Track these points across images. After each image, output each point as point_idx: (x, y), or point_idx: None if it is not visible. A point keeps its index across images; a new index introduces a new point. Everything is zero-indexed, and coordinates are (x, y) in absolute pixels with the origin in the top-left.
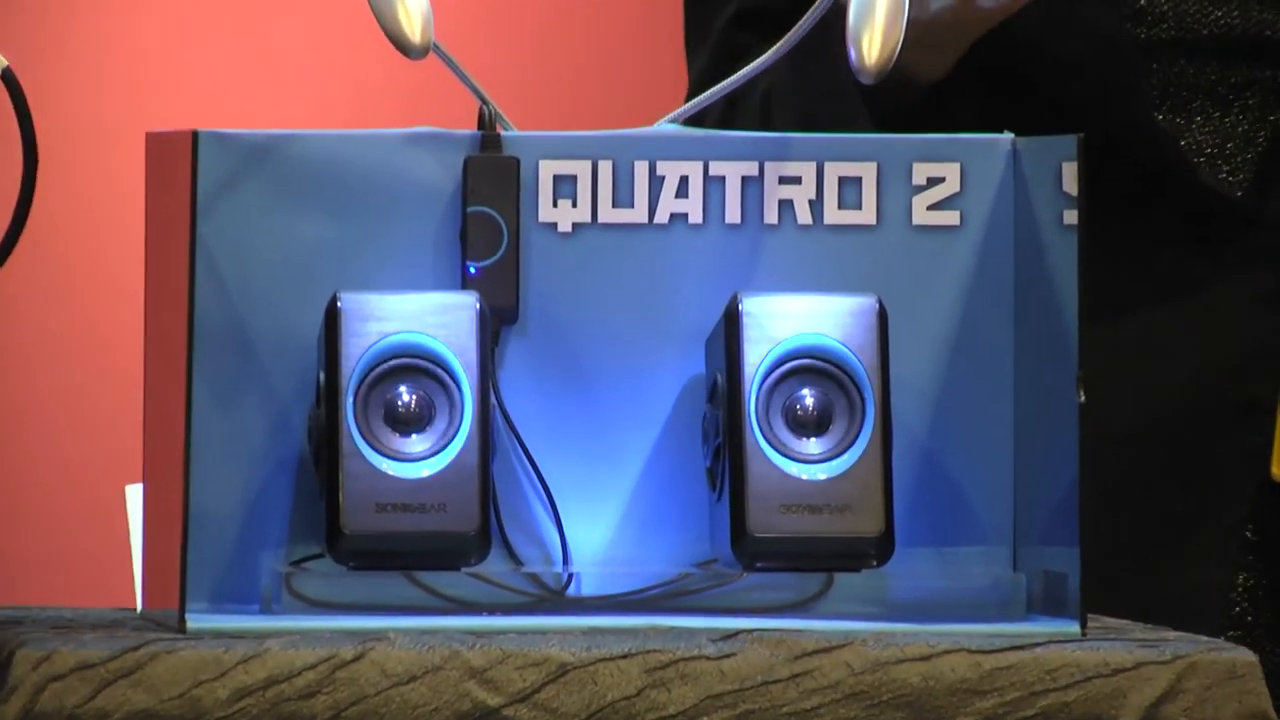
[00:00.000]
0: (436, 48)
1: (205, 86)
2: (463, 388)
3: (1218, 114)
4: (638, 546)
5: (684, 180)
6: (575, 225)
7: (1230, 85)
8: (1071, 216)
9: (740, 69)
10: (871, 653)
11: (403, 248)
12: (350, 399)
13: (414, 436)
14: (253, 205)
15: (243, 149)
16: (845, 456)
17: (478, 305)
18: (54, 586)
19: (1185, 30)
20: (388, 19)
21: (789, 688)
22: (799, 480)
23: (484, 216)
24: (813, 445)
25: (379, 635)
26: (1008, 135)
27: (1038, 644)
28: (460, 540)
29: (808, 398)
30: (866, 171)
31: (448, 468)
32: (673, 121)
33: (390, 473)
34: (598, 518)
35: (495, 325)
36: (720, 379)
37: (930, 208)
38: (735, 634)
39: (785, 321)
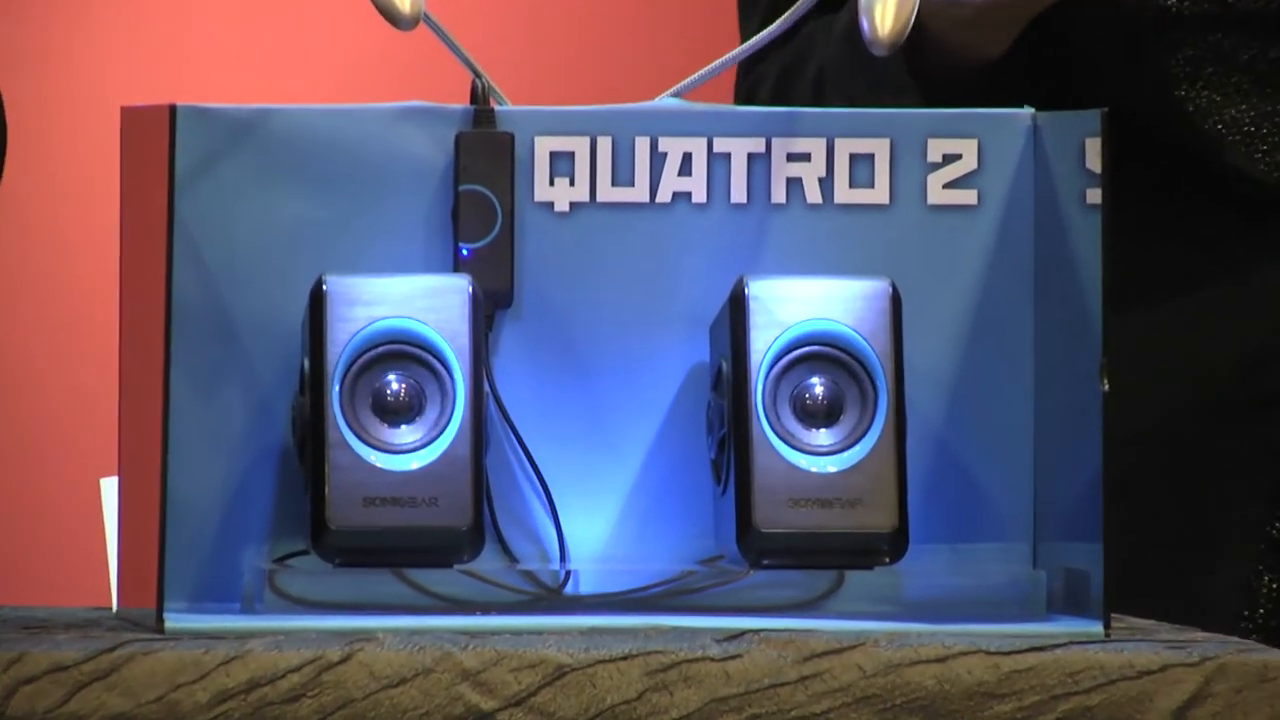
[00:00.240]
0: (427, 18)
1: (183, 58)
2: (454, 375)
3: (1255, 92)
4: (638, 543)
5: (687, 157)
6: (573, 204)
7: (1270, 61)
8: (1095, 195)
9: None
10: (884, 654)
11: (392, 228)
12: (336, 387)
13: (403, 427)
14: (234, 184)
15: (223, 124)
16: (856, 448)
17: (470, 289)
18: (25, 584)
19: (1220, 4)
20: None
21: (797, 690)
22: (808, 473)
23: (477, 195)
24: (822, 436)
25: (367, 636)
26: (1027, 110)
27: (1059, 645)
28: (452, 536)
29: (817, 386)
30: (879, 148)
31: (439, 460)
32: (676, 95)
33: (378, 465)
34: (596, 512)
35: (489, 310)
36: (725, 366)
37: (946, 186)
38: (741, 634)
39: (793, 306)
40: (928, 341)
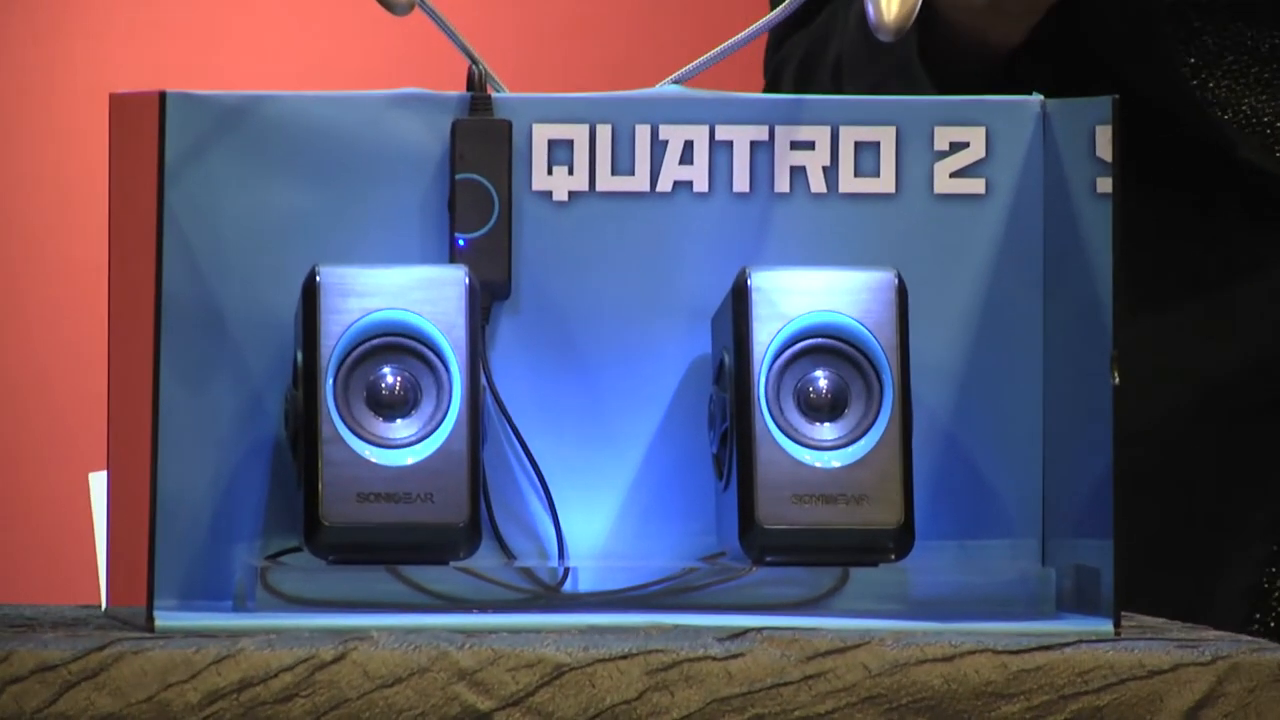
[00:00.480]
0: (422, 3)
1: (173, 44)
2: (451, 369)
3: (1276, 82)
4: (639, 539)
5: (688, 145)
6: (571, 194)
7: None
8: (1106, 184)
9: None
10: (890, 653)
11: (386, 218)
12: (330, 380)
13: (398, 421)
14: (224, 172)
15: (213, 111)
16: (861, 442)
17: (467, 280)
18: (11, 582)
19: None
20: None
21: (801, 690)
22: (812, 468)
23: (474, 185)
24: (827, 430)
25: (361, 634)
26: (1036, 97)
27: (1068, 644)
28: (448, 532)
29: (821, 379)
30: (885, 136)
31: (435, 454)
32: (677, 82)
33: (373, 460)
34: (596, 508)
35: (486, 301)
36: (727, 359)
37: (953, 175)
38: (743, 633)
39: (797, 298)
40: (934, 334)
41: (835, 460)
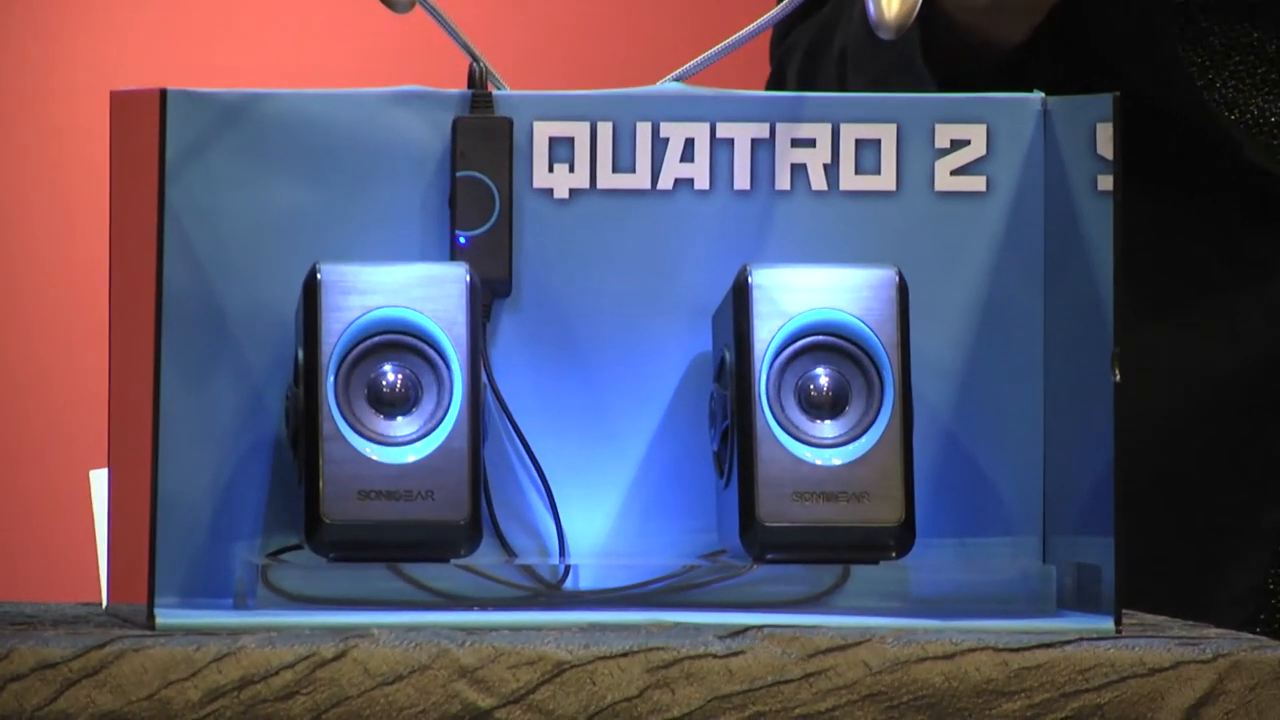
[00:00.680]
0: (423, 1)
1: (174, 42)
2: (451, 366)
3: None
4: (639, 537)
5: (689, 143)
6: (572, 191)
7: None
8: (1107, 181)
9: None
10: (891, 651)
11: (387, 215)
12: (331, 378)
13: (399, 419)
14: (225, 170)
15: (214, 109)
16: (862, 440)
17: (468, 277)
18: (12, 580)
19: None
20: None
21: (802, 688)
22: (813, 465)
23: (474, 182)
24: (827, 428)
25: (362, 632)
26: (1037, 94)
27: (1069, 641)
28: (449, 530)
29: (822, 377)
30: (886, 133)
31: (435, 452)
32: (678, 80)
33: (374, 457)
34: (596, 506)
35: (486, 299)
36: (728, 357)
37: (954, 172)
38: (744, 630)
39: (798, 295)
40: (935, 331)
41: (836, 458)
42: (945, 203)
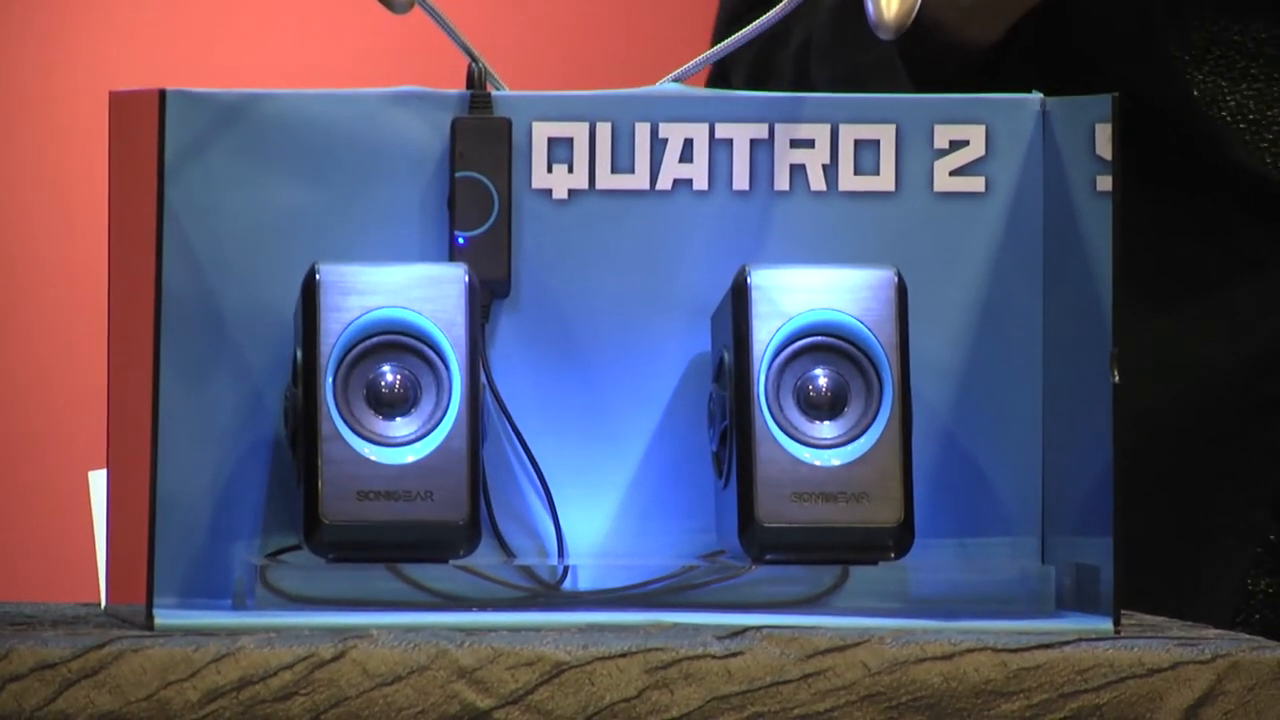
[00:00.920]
0: (422, 1)
1: (173, 43)
2: (450, 367)
3: (1263, 77)
4: (638, 537)
5: (688, 143)
6: (571, 192)
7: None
8: (1105, 182)
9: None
10: (889, 651)
11: (386, 216)
12: (330, 378)
13: (398, 419)
14: (224, 170)
15: (213, 109)
16: (861, 440)
17: (467, 278)
18: (11, 580)
19: None
20: None
21: (800, 689)
22: (811, 466)
23: (473, 183)
24: (826, 428)
25: (360, 633)
26: (1036, 95)
27: (1067, 642)
28: (448, 530)
29: (821, 378)
30: (885, 134)
31: (434, 452)
32: (677, 80)
33: (373, 458)
34: (595, 506)
35: (485, 299)
36: (727, 357)
37: (953, 173)
38: (743, 631)
39: (797, 295)
40: (934, 332)
41: (835, 458)
42: (944, 203)
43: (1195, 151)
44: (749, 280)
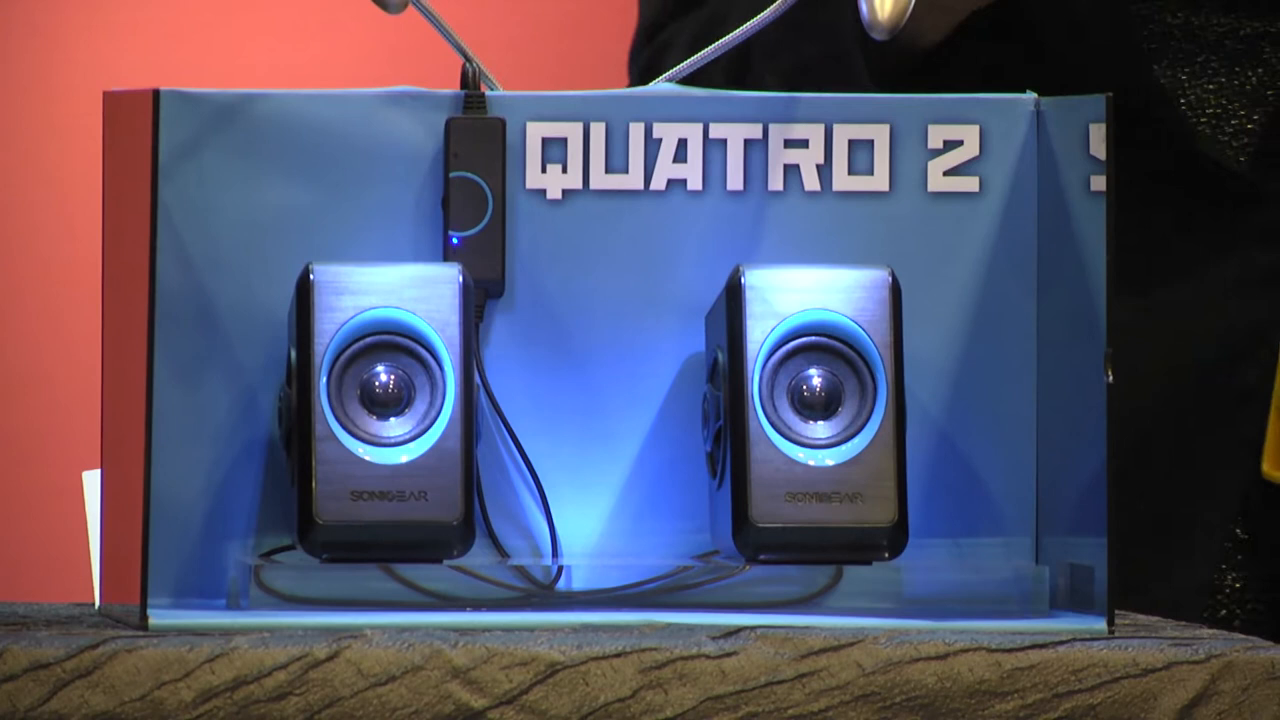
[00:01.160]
0: (416, 1)
1: (167, 43)
2: (444, 367)
3: (1224, 70)
4: (632, 537)
5: (682, 143)
6: (565, 192)
7: (1240, 39)
8: (1099, 182)
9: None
10: (883, 651)
11: (380, 216)
12: (323, 378)
13: (392, 419)
14: (218, 169)
15: (207, 109)
16: (855, 440)
17: (460, 278)
18: (5, 580)
19: None
20: None
21: (795, 689)
22: (805, 466)
23: (467, 183)
24: (820, 428)
25: (355, 633)
26: (1030, 95)
27: (1062, 642)
28: (442, 530)
29: (815, 378)
30: (879, 134)
31: (428, 453)
32: (671, 80)
33: (366, 458)
34: (590, 506)
35: (479, 299)
36: (721, 357)
37: (947, 173)
38: (737, 631)
39: (791, 296)
40: (928, 332)
41: (829, 458)
42: (938, 203)
43: (1161, 142)
44: (743, 280)
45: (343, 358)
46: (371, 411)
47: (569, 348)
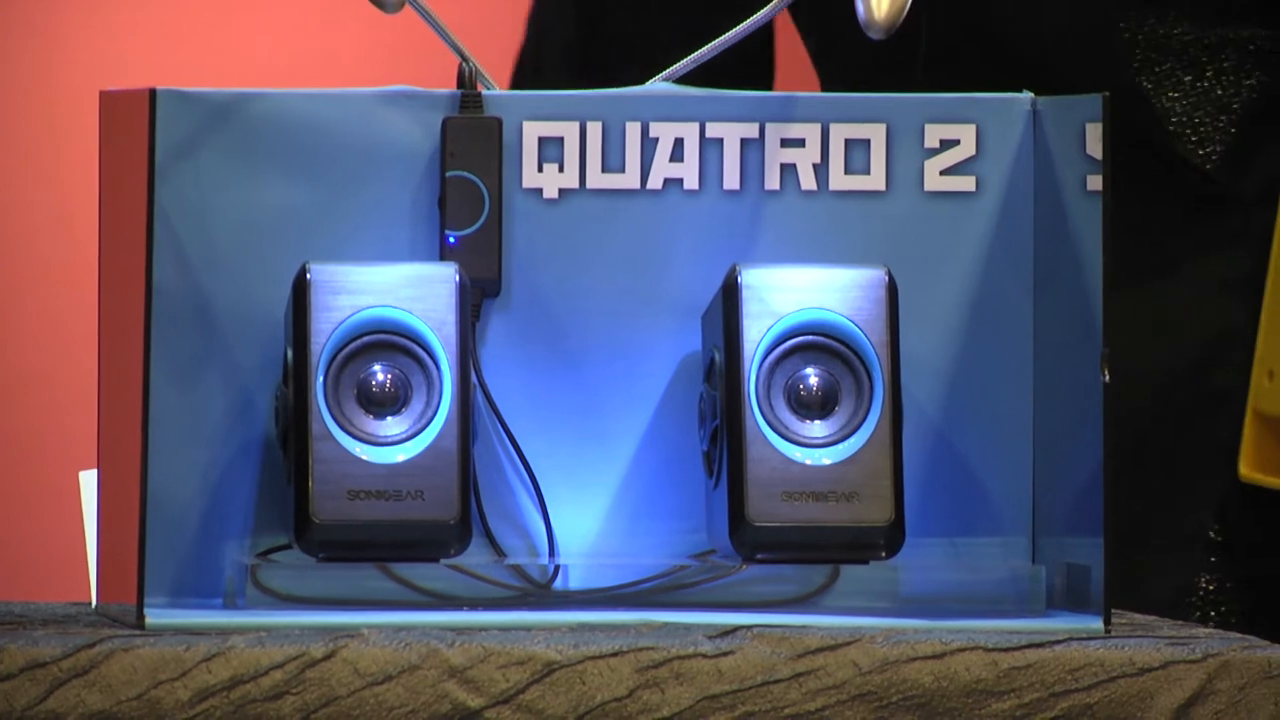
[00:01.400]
0: (413, 1)
1: (164, 42)
2: (441, 366)
3: (1189, 77)
4: (629, 537)
5: (679, 143)
6: (562, 191)
7: (1203, 46)
8: (1096, 181)
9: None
10: (880, 651)
11: (377, 215)
12: (320, 378)
13: (389, 418)
14: (215, 169)
15: (204, 109)
16: (852, 440)
17: (457, 277)
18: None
19: None
20: None
21: (791, 688)
22: (802, 465)
23: (464, 182)
24: (817, 428)
25: (351, 632)
26: (1027, 94)
27: (1058, 641)
28: (439, 530)
29: (812, 377)
30: (875, 133)
31: (425, 452)
32: (667, 80)
33: (363, 457)
34: (586, 506)
35: (476, 298)
36: (718, 357)
37: (944, 172)
38: (734, 630)
39: (787, 295)
40: (925, 331)
41: (825, 458)
42: (935, 203)
43: (1133, 145)
44: (739, 279)
45: (339, 357)
46: (368, 411)
47: (566, 347)
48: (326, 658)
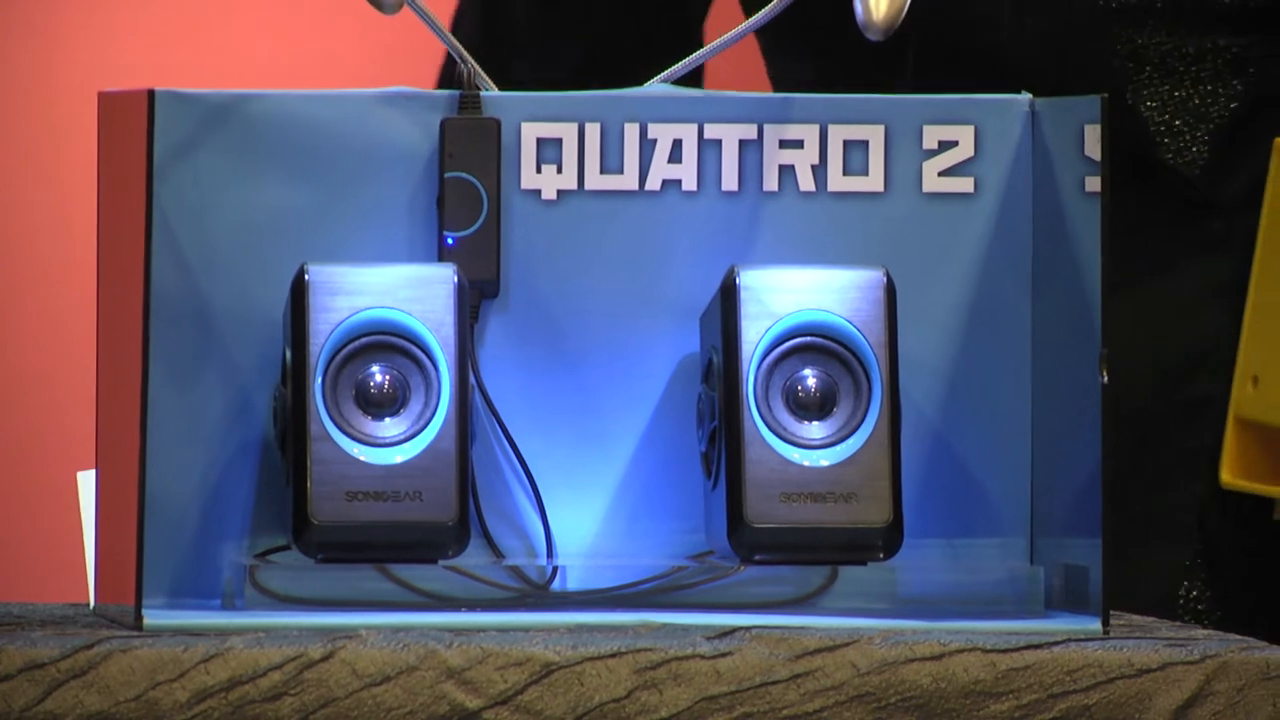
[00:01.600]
0: (411, 2)
1: (163, 42)
2: (439, 367)
3: (1167, 86)
4: (627, 538)
5: (677, 144)
6: (560, 192)
7: (1182, 56)
8: (1094, 183)
9: None
10: (878, 652)
11: (375, 216)
12: (319, 379)
13: (387, 419)
14: (213, 170)
15: (202, 109)
16: (850, 441)
17: (456, 278)
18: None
19: None
20: None
21: (789, 689)
22: (800, 466)
23: (462, 183)
24: (815, 429)
25: (349, 633)
26: (1025, 96)
27: (1056, 642)
28: (437, 531)
29: (810, 378)
30: (874, 134)
31: (423, 453)
32: (665, 81)
33: (361, 458)
34: (585, 507)
35: (474, 300)
36: (716, 358)
37: (942, 174)
38: (732, 631)
39: (786, 296)
40: (923, 332)
41: (824, 459)
42: (933, 204)
43: (1119, 150)
44: (738, 280)
45: (338, 358)
46: (366, 412)
47: (564, 348)
48: (325, 659)
